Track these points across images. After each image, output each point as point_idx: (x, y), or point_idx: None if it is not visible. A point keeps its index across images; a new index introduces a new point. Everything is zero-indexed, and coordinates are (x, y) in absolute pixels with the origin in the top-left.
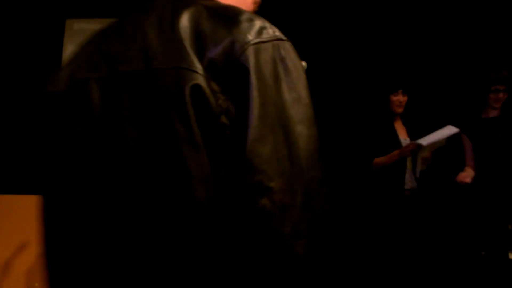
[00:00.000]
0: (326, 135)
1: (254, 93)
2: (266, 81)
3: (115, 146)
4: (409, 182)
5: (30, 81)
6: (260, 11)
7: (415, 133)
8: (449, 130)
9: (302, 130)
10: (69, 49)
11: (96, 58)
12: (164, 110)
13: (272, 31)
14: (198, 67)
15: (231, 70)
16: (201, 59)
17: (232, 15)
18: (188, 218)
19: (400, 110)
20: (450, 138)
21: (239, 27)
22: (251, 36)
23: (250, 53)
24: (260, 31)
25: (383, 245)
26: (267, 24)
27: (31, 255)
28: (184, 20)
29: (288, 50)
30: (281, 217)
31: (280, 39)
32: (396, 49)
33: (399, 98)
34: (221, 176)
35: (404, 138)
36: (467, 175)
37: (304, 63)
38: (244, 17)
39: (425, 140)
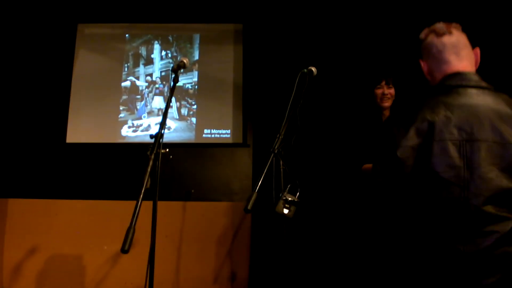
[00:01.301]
0: (323, 138)
1: None
2: None
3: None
4: None
5: (42, 84)
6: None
7: None
8: None
9: None
10: (80, 53)
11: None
12: None
13: None
14: None
15: None
16: None
17: None
18: None
19: (386, 103)
20: None
21: None
22: None
23: None
24: None
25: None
26: None
27: (41, 258)
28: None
29: None
30: None
31: None
32: (382, 41)
33: (383, 91)
34: None
35: None
36: None
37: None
38: None
39: None
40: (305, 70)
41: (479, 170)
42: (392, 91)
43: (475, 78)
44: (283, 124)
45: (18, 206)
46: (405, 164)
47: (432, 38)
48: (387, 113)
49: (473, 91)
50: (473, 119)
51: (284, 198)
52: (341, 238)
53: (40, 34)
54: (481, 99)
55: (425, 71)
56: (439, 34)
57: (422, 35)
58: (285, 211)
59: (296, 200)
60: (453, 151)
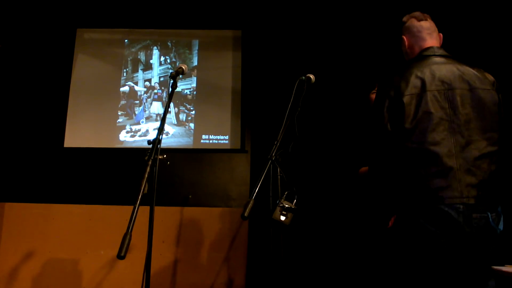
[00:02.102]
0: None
1: None
2: None
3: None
4: None
5: (41, 88)
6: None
7: None
8: None
9: None
10: (79, 58)
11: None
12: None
13: None
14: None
15: None
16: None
17: None
18: None
19: None
20: None
21: None
22: None
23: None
24: None
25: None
26: None
27: (37, 262)
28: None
29: None
30: None
31: None
32: (379, 48)
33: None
34: None
35: None
36: None
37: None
38: None
39: None
40: (303, 77)
41: (458, 109)
42: None
43: (442, 50)
44: (280, 131)
45: (15, 210)
46: (408, 107)
47: (412, 21)
48: None
49: (442, 59)
50: (449, 74)
51: (281, 205)
52: (338, 245)
53: (39, 39)
54: (449, 62)
55: (406, 45)
56: (418, 19)
57: (404, 19)
58: (282, 218)
59: (293, 207)
60: (440, 97)
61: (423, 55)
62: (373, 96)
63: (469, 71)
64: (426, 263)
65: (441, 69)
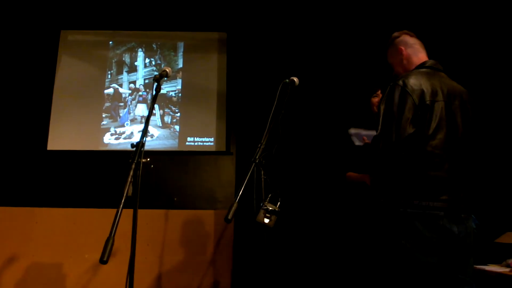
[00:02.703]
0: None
1: None
2: None
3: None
4: None
5: (24, 90)
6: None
7: None
8: None
9: None
10: (63, 59)
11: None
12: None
13: None
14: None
15: None
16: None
17: None
18: None
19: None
20: None
21: None
22: None
23: None
24: None
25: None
26: None
27: (21, 267)
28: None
29: None
30: None
31: None
32: (362, 50)
33: (379, 99)
34: None
35: None
36: None
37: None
38: None
39: None
40: (287, 80)
41: (458, 122)
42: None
43: (440, 65)
44: (264, 133)
45: None
46: (432, 113)
47: (405, 36)
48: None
49: (443, 74)
50: (450, 88)
51: (265, 207)
52: (322, 247)
53: (23, 40)
54: (447, 77)
55: (404, 54)
56: (410, 35)
57: (397, 34)
58: (266, 220)
59: (277, 209)
60: (449, 109)
61: (429, 66)
62: (375, 100)
63: (459, 87)
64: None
65: (446, 82)
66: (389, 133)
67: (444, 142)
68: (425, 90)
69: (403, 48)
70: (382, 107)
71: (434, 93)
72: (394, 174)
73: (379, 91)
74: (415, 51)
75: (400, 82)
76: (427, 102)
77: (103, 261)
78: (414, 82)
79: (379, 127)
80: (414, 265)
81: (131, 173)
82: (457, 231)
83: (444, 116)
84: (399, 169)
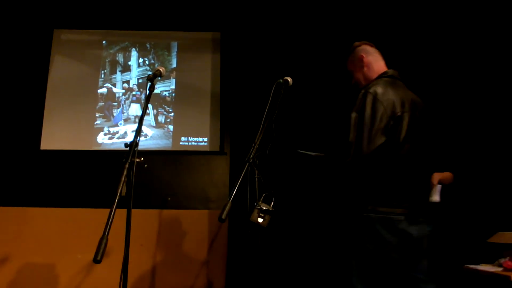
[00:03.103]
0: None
1: None
2: None
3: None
4: None
5: (17, 90)
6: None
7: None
8: None
9: None
10: (56, 59)
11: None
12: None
13: None
14: None
15: None
16: None
17: None
18: None
19: None
20: None
21: None
22: None
23: None
24: None
25: None
26: None
27: (13, 267)
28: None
29: None
30: None
31: None
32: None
33: None
34: None
35: None
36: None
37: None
38: None
39: None
40: (281, 80)
41: (416, 131)
42: None
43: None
44: (258, 133)
45: None
46: (401, 122)
47: (366, 45)
48: None
49: (402, 83)
50: (410, 98)
51: (259, 207)
52: (316, 246)
53: (15, 39)
54: (402, 85)
55: (365, 62)
56: (370, 45)
57: (358, 43)
58: (260, 220)
59: (270, 209)
60: (409, 117)
61: (391, 76)
62: None
63: (417, 98)
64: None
65: (408, 93)
66: (360, 141)
67: (410, 151)
68: (395, 101)
69: (364, 55)
70: (354, 115)
71: (403, 104)
72: (361, 181)
73: None
74: (376, 59)
75: (372, 91)
76: (398, 113)
77: (96, 260)
78: (383, 91)
79: (351, 134)
80: (376, 264)
81: (125, 172)
82: (415, 234)
83: (410, 127)
84: (367, 176)
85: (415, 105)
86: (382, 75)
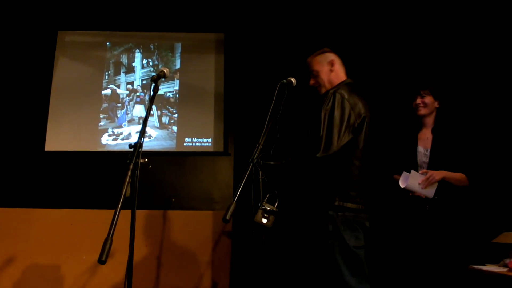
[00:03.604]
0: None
1: None
2: None
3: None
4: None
5: (21, 91)
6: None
7: (441, 142)
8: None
9: None
10: (60, 60)
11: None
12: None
13: None
14: None
15: None
16: None
17: None
18: None
19: (421, 112)
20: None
21: None
22: None
23: None
24: None
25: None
26: None
27: (18, 268)
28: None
29: None
30: None
31: None
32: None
33: (416, 101)
34: None
35: (425, 147)
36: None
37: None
38: None
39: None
40: (285, 80)
41: (370, 129)
42: (427, 99)
43: None
44: (262, 134)
45: None
46: (364, 127)
47: (334, 54)
48: (426, 120)
49: (356, 88)
50: (364, 102)
51: (263, 208)
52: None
53: (19, 41)
54: (359, 92)
55: (335, 68)
56: (335, 54)
57: (328, 49)
58: (264, 220)
59: (275, 209)
60: (367, 120)
61: (351, 83)
62: (414, 103)
63: (367, 103)
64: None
65: (363, 99)
66: (330, 136)
67: (369, 151)
68: (360, 104)
69: (334, 60)
70: (323, 113)
71: (366, 108)
72: (329, 176)
73: (417, 95)
74: (342, 68)
75: (339, 92)
76: (363, 114)
77: (101, 261)
78: (349, 94)
79: (321, 131)
80: (358, 256)
81: (129, 173)
82: (368, 225)
83: (370, 129)
84: (334, 171)
85: (369, 110)
86: (343, 82)
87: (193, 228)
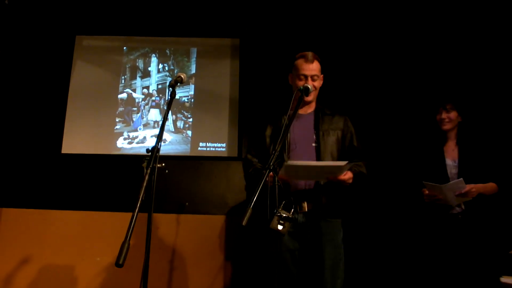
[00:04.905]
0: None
1: None
2: None
3: None
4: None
5: (39, 94)
6: None
7: (467, 153)
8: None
9: None
10: (78, 64)
11: None
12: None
13: None
14: None
15: None
16: None
17: None
18: None
19: (446, 126)
20: None
21: None
22: None
23: None
24: None
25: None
26: None
27: (33, 268)
28: None
29: None
30: None
31: None
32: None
33: (442, 116)
34: None
35: (452, 159)
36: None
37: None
38: None
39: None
40: (301, 87)
41: None
42: (452, 114)
43: None
44: (278, 140)
45: (12, 216)
46: None
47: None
48: (450, 133)
49: None
50: None
51: (279, 214)
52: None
53: (38, 45)
54: None
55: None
56: None
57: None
58: (280, 227)
59: (290, 216)
60: None
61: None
62: (437, 117)
63: None
64: None
65: None
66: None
67: None
68: None
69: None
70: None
71: None
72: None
73: (441, 109)
74: None
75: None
76: None
77: (118, 264)
78: None
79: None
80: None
81: (147, 178)
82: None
83: None
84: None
85: None
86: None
87: (206, 233)
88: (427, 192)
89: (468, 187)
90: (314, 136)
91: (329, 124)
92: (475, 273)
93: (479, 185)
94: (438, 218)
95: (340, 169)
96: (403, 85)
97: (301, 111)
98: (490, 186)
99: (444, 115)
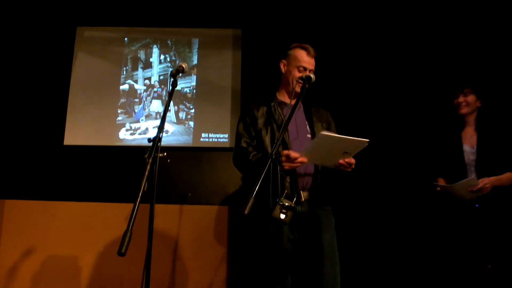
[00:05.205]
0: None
1: None
2: None
3: None
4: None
5: (41, 86)
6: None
7: (486, 139)
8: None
9: None
10: (79, 56)
11: None
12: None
13: None
14: None
15: None
16: None
17: None
18: None
19: (463, 110)
20: None
21: None
22: None
23: None
24: None
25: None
26: None
27: (37, 259)
28: None
29: None
30: None
31: None
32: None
33: (459, 99)
34: None
35: (471, 145)
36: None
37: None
38: None
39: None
40: (304, 76)
41: None
42: (470, 98)
43: None
44: (281, 130)
45: (15, 207)
46: None
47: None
48: (468, 119)
49: None
50: None
51: (281, 203)
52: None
53: (39, 36)
54: None
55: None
56: None
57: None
58: (282, 216)
59: (292, 205)
60: None
61: None
62: (455, 101)
63: None
64: None
65: None
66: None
67: None
68: None
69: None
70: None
71: None
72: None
73: (458, 93)
74: None
75: None
76: None
77: (121, 253)
78: None
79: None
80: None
81: (148, 167)
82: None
83: None
84: None
85: None
86: None
87: (209, 223)
88: (438, 188)
89: (481, 183)
90: (308, 128)
91: (318, 116)
92: (490, 263)
93: (493, 179)
94: (453, 208)
95: (361, 146)
96: (422, 70)
97: (287, 101)
98: (507, 177)
99: (461, 99)
